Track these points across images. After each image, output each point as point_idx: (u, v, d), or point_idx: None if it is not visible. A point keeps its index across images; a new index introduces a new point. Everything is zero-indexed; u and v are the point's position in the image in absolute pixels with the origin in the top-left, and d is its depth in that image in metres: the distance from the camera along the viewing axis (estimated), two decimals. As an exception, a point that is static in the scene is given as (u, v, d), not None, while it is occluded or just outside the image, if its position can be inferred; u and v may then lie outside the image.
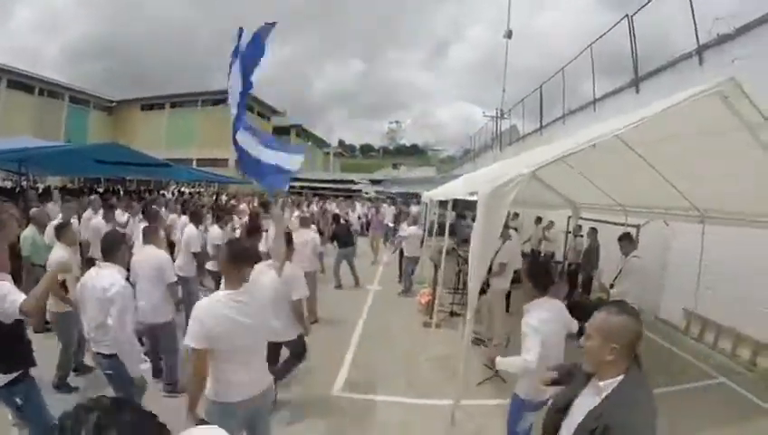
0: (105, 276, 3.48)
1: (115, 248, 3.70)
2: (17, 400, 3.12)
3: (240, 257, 2.84)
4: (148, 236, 5.15)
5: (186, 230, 7.17)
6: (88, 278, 3.59)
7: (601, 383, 1.89)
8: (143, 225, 6.79)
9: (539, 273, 3.49)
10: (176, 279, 5.02)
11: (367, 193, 35.66)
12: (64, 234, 5.01)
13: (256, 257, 3.06)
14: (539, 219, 13.33)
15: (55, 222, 6.26)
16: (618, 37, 11.91)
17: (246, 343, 2.74)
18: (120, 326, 3.36)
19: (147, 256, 4.96)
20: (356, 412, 4.93)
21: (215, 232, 7.74)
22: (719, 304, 7.40)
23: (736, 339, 7.14)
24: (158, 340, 5.02)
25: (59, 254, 4.80)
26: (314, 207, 19.15)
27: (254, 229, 6.61)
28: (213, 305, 2.72)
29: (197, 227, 7.24)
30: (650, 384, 1.86)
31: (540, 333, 3.15)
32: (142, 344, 4.51)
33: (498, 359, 3.40)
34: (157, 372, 5.02)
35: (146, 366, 4.22)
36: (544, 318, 3.24)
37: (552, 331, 3.26)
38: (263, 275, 3.98)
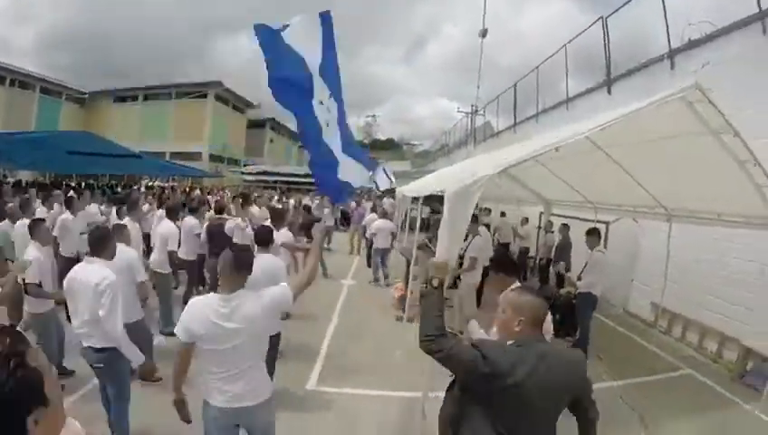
0: (95, 271, 3.50)
1: (103, 243, 3.75)
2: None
3: (243, 266, 2.83)
4: (118, 234, 5.08)
5: (163, 226, 7.16)
6: (77, 273, 3.59)
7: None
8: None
9: (506, 261, 3.86)
10: (146, 278, 5.02)
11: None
12: (38, 232, 4.94)
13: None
14: (503, 214, 13.69)
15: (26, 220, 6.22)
16: (593, 38, 12.16)
17: (229, 347, 2.68)
18: (114, 319, 3.41)
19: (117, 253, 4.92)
20: (331, 406, 5.00)
21: (190, 222, 7.79)
22: (686, 298, 7.66)
23: (702, 332, 7.40)
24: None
25: (32, 253, 4.72)
26: (291, 202, 19.13)
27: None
28: (200, 307, 2.73)
29: (174, 223, 7.25)
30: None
31: None
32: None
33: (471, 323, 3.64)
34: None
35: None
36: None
37: None
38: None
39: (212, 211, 8.85)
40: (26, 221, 5.95)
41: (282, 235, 6.64)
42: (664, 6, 9.15)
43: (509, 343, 2.11)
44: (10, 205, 7.27)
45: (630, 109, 3.65)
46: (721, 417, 5.30)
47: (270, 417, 3.00)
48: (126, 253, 4.86)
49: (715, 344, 7.14)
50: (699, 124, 4.06)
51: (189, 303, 2.81)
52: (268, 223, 6.55)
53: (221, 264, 2.78)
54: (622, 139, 4.77)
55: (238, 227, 7.56)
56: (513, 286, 3.59)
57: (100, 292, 3.40)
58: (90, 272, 3.52)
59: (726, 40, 7.59)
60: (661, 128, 4.33)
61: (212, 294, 2.84)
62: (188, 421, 2.87)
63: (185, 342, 2.74)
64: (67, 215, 7.76)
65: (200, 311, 2.71)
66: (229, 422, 2.83)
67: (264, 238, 4.82)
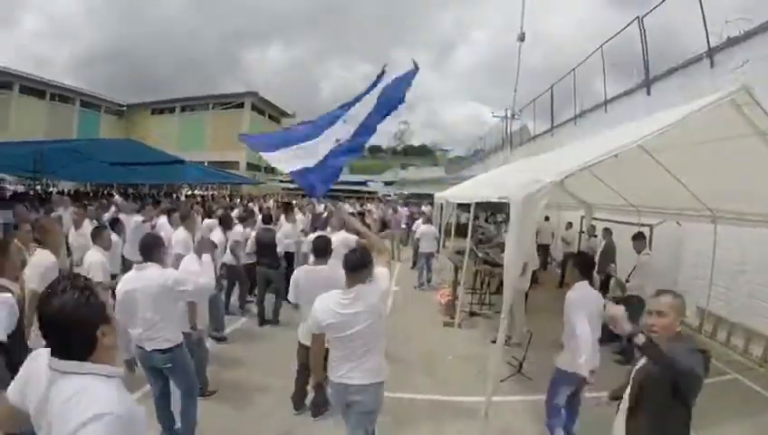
0: (155, 273, 3.72)
1: (154, 249, 3.90)
2: None
3: (357, 267, 3.25)
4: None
5: (214, 235, 7.29)
6: (132, 283, 3.74)
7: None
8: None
9: (587, 263, 4.13)
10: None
11: (388, 195, 35.75)
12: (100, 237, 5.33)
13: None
14: (546, 218, 13.42)
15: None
16: (629, 38, 12.03)
17: (350, 333, 3.15)
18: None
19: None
20: (387, 411, 5.02)
21: (237, 230, 8.01)
22: (731, 302, 7.58)
23: (748, 336, 7.30)
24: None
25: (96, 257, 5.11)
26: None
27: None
28: (326, 302, 3.23)
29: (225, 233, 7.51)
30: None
31: (580, 308, 3.73)
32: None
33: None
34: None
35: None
36: (586, 294, 3.83)
37: (591, 310, 3.81)
38: None
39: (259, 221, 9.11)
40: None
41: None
42: (701, 4, 9.02)
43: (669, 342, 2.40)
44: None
45: (682, 114, 3.74)
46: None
47: (376, 397, 3.38)
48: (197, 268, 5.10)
49: (761, 349, 7.04)
50: (746, 126, 4.12)
51: (317, 299, 3.31)
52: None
53: (343, 265, 3.28)
54: (667, 142, 4.81)
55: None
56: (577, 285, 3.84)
57: (169, 287, 3.66)
58: (148, 276, 3.72)
59: (765, 37, 7.50)
60: (707, 130, 4.37)
61: (335, 291, 3.31)
62: (326, 402, 3.67)
63: (316, 332, 3.30)
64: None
65: (326, 304, 3.21)
66: (342, 397, 3.31)
67: (320, 248, 4.71)
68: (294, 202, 18.14)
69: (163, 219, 8.75)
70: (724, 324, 7.77)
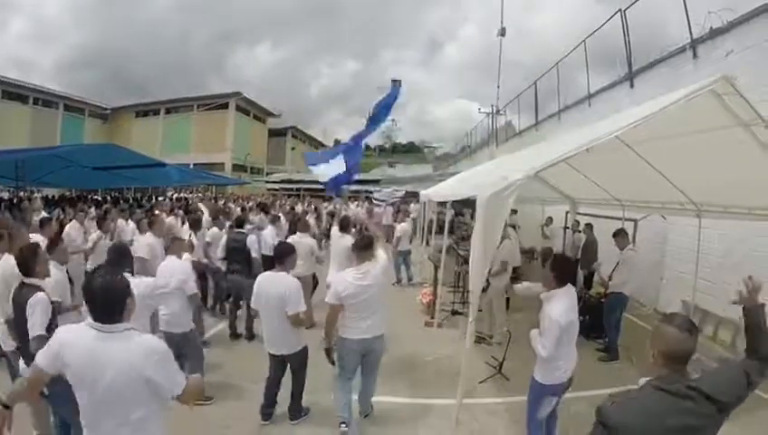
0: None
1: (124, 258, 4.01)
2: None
3: (364, 248, 4.49)
4: (175, 247, 5.30)
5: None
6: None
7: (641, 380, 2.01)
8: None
9: (567, 268, 3.91)
10: (196, 290, 5.12)
11: (370, 192, 35.62)
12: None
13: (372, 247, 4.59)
14: (550, 220, 12.94)
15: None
16: (612, 32, 12.00)
17: (362, 299, 4.26)
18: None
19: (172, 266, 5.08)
20: (361, 416, 4.91)
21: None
22: (717, 295, 7.45)
23: (735, 330, 7.19)
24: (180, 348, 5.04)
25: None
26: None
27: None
28: (344, 277, 4.36)
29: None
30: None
31: (561, 329, 3.45)
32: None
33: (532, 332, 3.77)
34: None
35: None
36: (567, 307, 3.55)
37: (572, 321, 3.57)
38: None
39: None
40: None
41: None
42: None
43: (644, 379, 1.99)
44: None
45: (660, 106, 3.58)
46: (756, 418, 5.14)
47: (383, 344, 4.64)
48: (181, 265, 5.06)
49: (749, 343, 6.93)
50: (728, 116, 3.96)
51: (335, 276, 4.90)
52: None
53: (354, 247, 4.58)
54: (649, 134, 4.68)
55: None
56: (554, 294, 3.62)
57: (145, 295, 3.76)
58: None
59: (749, 27, 7.43)
60: (689, 122, 4.24)
61: (349, 269, 4.49)
62: (332, 363, 4.48)
63: (334, 303, 4.29)
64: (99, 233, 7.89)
65: (343, 279, 4.33)
66: (358, 349, 4.42)
67: (282, 254, 4.68)
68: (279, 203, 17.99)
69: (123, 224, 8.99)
70: (710, 318, 7.68)
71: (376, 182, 39.96)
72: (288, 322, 4.39)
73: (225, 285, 7.85)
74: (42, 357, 2.26)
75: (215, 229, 8.18)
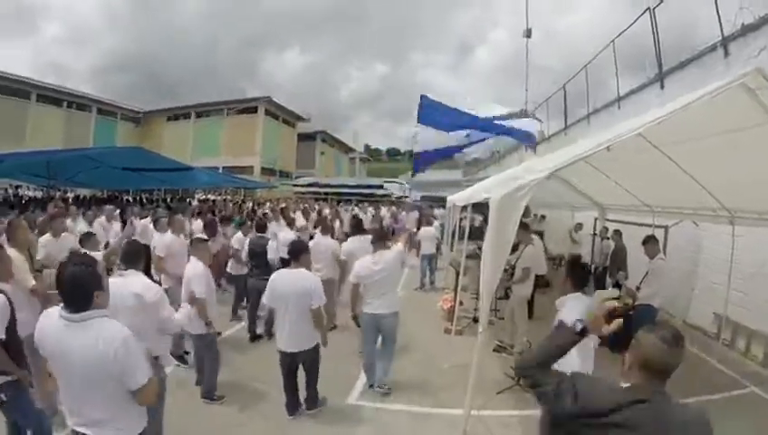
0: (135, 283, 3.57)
1: (137, 257, 3.80)
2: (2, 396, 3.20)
3: (379, 239, 5.59)
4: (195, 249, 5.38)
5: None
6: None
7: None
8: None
9: (580, 274, 3.93)
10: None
11: (401, 197, 35.57)
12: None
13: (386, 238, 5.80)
14: (580, 226, 12.76)
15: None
16: (641, 32, 11.67)
17: (377, 279, 5.25)
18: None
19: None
20: (370, 423, 4.88)
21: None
22: (751, 308, 7.11)
23: (769, 344, 6.83)
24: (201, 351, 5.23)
25: None
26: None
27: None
28: (363, 262, 5.34)
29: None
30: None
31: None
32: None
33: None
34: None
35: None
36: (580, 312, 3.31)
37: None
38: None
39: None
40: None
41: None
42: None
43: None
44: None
45: (685, 101, 3.35)
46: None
47: (395, 321, 5.52)
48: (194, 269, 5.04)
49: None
50: (762, 113, 3.67)
51: (358, 261, 5.49)
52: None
53: (372, 239, 5.65)
54: (679, 136, 4.45)
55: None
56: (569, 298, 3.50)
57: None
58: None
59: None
60: (719, 120, 3.98)
61: (368, 256, 5.46)
62: (358, 326, 5.58)
63: (355, 281, 5.36)
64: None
65: (364, 264, 5.31)
66: (372, 322, 5.39)
67: (295, 251, 4.83)
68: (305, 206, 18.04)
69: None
70: (742, 331, 7.30)
71: (381, 187, 39.93)
72: (306, 318, 4.50)
73: (243, 292, 8.02)
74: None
75: (239, 235, 8.40)
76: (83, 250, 5.38)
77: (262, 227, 7.93)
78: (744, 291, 7.03)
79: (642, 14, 11.32)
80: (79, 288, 2.24)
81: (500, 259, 3.53)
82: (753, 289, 7.04)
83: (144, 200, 21.65)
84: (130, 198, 24.93)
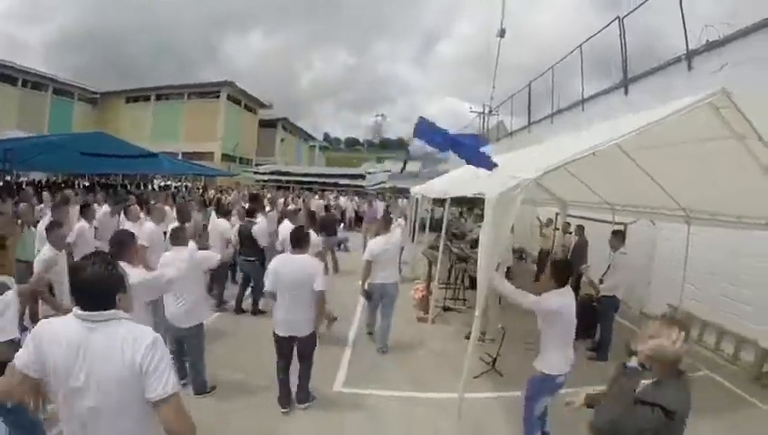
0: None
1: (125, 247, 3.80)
2: None
3: (389, 223, 7.17)
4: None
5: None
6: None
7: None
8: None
9: (564, 274, 3.98)
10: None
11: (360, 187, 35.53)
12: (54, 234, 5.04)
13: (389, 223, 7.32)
14: (550, 221, 12.72)
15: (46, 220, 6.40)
16: (609, 39, 12.10)
17: (387, 257, 6.53)
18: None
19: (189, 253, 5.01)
20: (360, 408, 5.01)
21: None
22: (703, 300, 7.72)
23: (720, 333, 7.44)
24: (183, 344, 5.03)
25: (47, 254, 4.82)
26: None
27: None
28: (377, 243, 6.51)
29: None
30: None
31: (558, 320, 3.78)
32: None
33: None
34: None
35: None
36: (566, 302, 3.77)
37: (571, 315, 3.81)
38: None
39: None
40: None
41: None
42: (681, 7, 9.13)
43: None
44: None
45: (660, 116, 3.70)
46: (739, 418, 5.34)
47: (395, 290, 6.65)
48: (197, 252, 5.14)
49: (733, 346, 7.18)
50: (723, 128, 4.10)
51: (372, 241, 6.68)
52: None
53: (381, 222, 7.45)
54: (643, 141, 4.79)
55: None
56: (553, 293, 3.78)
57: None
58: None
59: (744, 42, 7.59)
60: (684, 131, 4.36)
61: (379, 237, 6.71)
62: (368, 299, 6.79)
63: (369, 259, 6.42)
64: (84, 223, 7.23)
65: (377, 244, 6.48)
66: (378, 290, 6.57)
67: (297, 239, 4.79)
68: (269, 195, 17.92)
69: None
70: (695, 322, 7.86)
71: (362, 177, 39.93)
72: (308, 303, 4.56)
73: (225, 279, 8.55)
74: (20, 357, 1.96)
75: (225, 223, 8.59)
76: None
77: (251, 213, 8.36)
78: (696, 284, 7.60)
79: (611, 22, 11.82)
80: (100, 292, 1.96)
81: (496, 252, 3.79)
82: (704, 283, 7.66)
83: (99, 186, 20.87)
84: (86, 183, 24.10)
